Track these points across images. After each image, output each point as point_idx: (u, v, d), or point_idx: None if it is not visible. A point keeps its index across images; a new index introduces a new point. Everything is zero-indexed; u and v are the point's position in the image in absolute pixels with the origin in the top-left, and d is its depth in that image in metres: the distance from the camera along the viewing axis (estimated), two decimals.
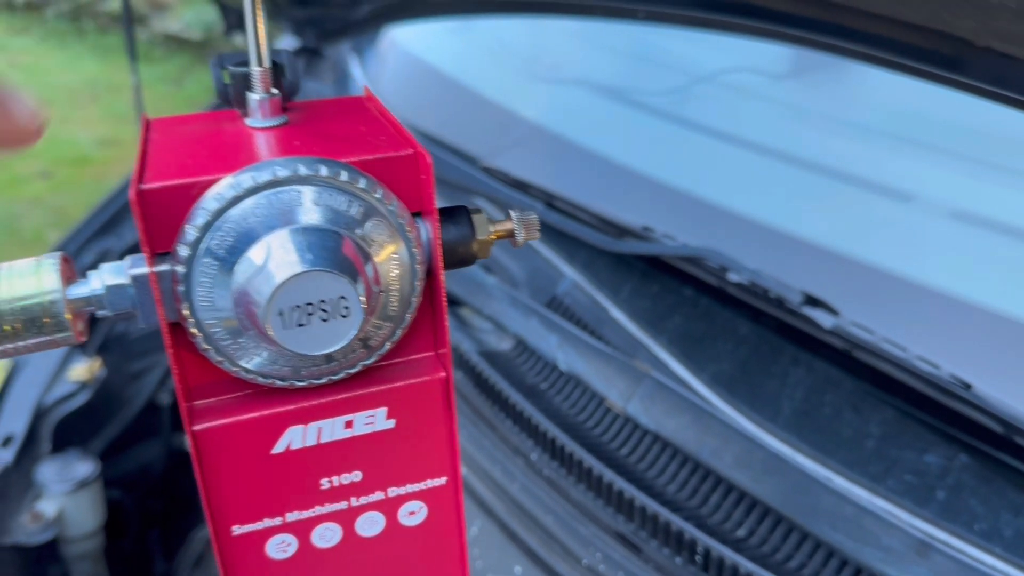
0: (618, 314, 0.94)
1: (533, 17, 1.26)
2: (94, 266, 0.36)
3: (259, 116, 0.41)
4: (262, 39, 0.40)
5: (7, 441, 1.26)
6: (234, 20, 1.40)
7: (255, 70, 0.40)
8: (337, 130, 0.41)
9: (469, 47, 1.44)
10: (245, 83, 0.42)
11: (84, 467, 1.25)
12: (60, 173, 4.08)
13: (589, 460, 0.80)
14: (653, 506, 0.75)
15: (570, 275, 1.02)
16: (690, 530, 0.73)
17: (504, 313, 1.01)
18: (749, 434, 0.78)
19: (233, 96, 0.43)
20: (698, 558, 0.72)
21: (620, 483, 0.77)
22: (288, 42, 1.72)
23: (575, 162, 1.10)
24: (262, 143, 0.39)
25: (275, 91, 0.41)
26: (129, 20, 1.27)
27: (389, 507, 0.43)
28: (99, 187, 3.94)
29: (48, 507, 1.22)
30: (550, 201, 1.05)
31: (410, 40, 1.48)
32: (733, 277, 0.86)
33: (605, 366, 0.87)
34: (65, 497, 1.23)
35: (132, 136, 4.33)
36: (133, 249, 1.47)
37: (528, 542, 0.80)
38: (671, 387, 0.82)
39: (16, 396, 1.30)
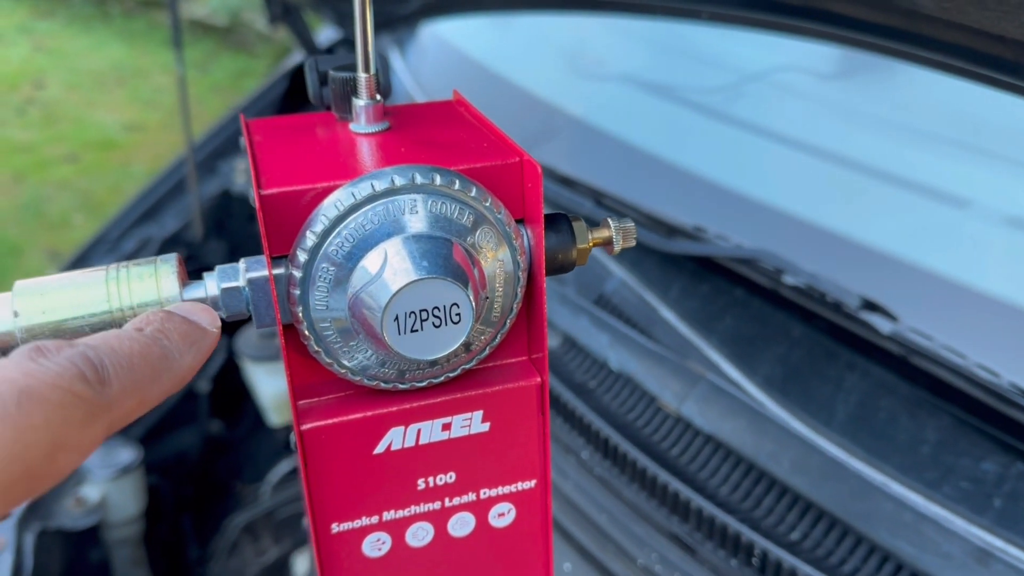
0: (668, 314, 0.94)
1: (591, 15, 1.26)
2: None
3: (363, 121, 0.41)
4: (370, 44, 0.40)
5: None
6: (278, 11, 1.41)
7: (362, 76, 0.40)
8: (439, 137, 0.42)
9: (511, 41, 1.44)
10: (347, 88, 0.42)
11: (127, 453, 1.26)
12: (86, 157, 4.11)
13: (643, 460, 0.80)
14: (709, 508, 0.75)
15: (618, 273, 1.02)
16: (747, 532, 0.73)
17: (551, 310, 1.01)
18: (805, 438, 0.78)
19: (332, 100, 0.43)
20: (755, 560, 0.72)
21: (675, 484, 0.78)
22: (330, 33, 1.73)
23: (623, 159, 1.10)
24: (370, 150, 0.40)
25: (379, 97, 0.41)
26: (175, 13, 1.28)
27: (480, 508, 0.44)
28: (125, 172, 3.96)
29: (91, 492, 1.23)
30: (599, 199, 1.05)
31: (452, 33, 1.48)
32: (789, 280, 0.86)
33: (658, 367, 0.87)
34: (108, 483, 1.24)
35: (158, 121, 4.36)
36: (175, 238, 1.48)
37: (580, 540, 0.81)
38: (727, 390, 0.82)
39: None
